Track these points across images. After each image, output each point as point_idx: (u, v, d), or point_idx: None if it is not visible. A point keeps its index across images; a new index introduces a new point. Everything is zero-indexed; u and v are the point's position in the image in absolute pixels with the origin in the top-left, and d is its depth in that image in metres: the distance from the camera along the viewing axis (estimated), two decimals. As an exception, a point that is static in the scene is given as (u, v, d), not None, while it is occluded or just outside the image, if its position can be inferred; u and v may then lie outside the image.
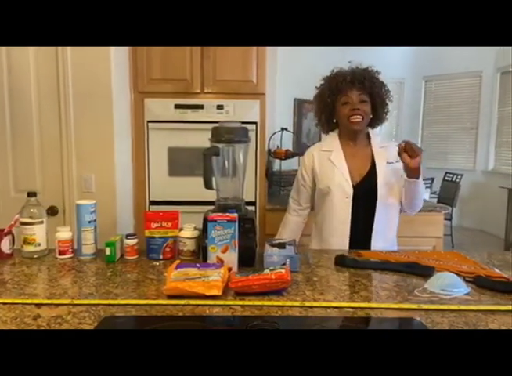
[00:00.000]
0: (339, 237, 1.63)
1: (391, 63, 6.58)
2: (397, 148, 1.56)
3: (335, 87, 1.62)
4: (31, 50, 2.12)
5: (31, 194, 1.41)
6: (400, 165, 1.57)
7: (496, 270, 1.28)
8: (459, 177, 5.46)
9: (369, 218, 1.61)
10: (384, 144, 1.70)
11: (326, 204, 1.66)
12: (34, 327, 0.89)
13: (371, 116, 1.65)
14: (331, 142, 1.71)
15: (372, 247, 1.61)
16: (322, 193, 1.67)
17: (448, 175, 5.68)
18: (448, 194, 5.33)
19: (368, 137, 1.71)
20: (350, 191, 1.60)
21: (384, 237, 1.65)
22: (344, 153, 1.66)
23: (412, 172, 1.54)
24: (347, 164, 1.64)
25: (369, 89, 1.60)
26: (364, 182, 1.62)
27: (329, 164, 1.65)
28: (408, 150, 1.48)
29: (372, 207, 1.61)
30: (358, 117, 1.59)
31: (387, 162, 1.62)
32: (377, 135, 1.72)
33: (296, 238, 1.71)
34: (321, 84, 1.71)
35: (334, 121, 1.70)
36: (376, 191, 1.60)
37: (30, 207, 1.40)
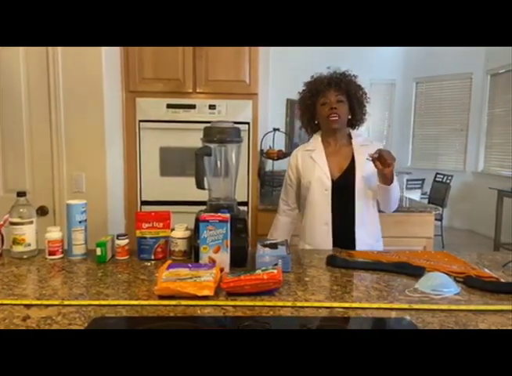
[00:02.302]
0: (322, 228, 1.69)
1: (382, 64, 6.64)
2: (378, 146, 1.64)
3: (314, 89, 1.72)
4: (21, 49, 2.10)
5: (21, 194, 1.40)
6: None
7: (486, 270, 1.29)
8: (449, 178, 5.51)
9: (349, 211, 1.68)
10: (365, 143, 1.76)
11: (308, 198, 1.75)
12: (24, 328, 0.88)
13: (349, 116, 1.75)
14: (315, 142, 1.80)
15: (356, 240, 1.66)
16: (304, 188, 1.76)
17: (438, 175, 5.73)
18: (438, 195, 5.37)
19: (349, 137, 1.79)
20: (329, 184, 1.69)
21: (368, 231, 1.71)
22: (326, 151, 1.75)
23: (384, 179, 1.61)
24: (327, 161, 1.73)
25: (346, 90, 1.70)
26: (343, 177, 1.70)
27: (311, 161, 1.75)
28: (380, 160, 1.54)
29: (351, 200, 1.68)
30: (335, 115, 1.68)
31: (367, 159, 1.65)
32: (359, 135, 1.80)
33: (287, 238, 1.72)
34: (303, 90, 1.80)
35: (316, 122, 1.79)
36: (354, 185, 1.68)
37: (20, 207, 1.38)
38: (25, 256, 1.38)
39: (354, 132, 1.79)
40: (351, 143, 1.76)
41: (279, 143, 3.30)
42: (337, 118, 1.67)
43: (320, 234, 1.69)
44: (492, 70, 5.91)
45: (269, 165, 3.11)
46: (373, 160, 1.55)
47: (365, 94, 1.75)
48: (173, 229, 1.41)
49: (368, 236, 1.70)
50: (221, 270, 1.19)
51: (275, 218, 1.90)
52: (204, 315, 0.97)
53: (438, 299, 1.06)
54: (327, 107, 1.68)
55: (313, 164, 1.73)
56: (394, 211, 2.63)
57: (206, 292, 1.03)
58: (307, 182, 1.73)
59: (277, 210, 1.90)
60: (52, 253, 1.37)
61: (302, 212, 1.82)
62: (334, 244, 1.67)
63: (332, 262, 1.34)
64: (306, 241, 1.75)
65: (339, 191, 1.68)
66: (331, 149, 1.75)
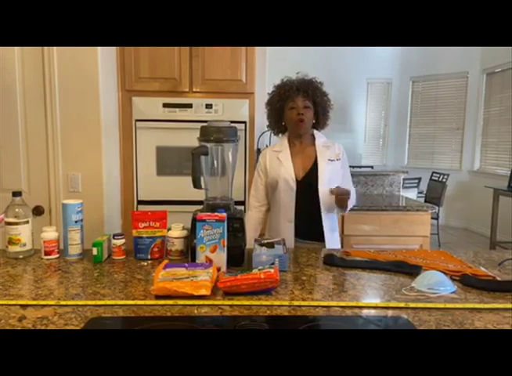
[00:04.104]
0: (286, 225, 1.81)
1: (378, 63, 6.65)
2: (339, 147, 1.86)
3: (283, 94, 1.82)
4: (17, 49, 2.08)
5: (16, 194, 1.39)
6: (339, 164, 1.84)
7: (482, 269, 1.30)
8: (445, 177, 5.52)
9: (314, 208, 1.79)
10: (327, 144, 1.88)
11: (274, 196, 1.86)
12: (19, 329, 0.87)
13: (314, 121, 1.86)
14: (282, 143, 1.91)
15: (325, 233, 1.78)
16: (271, 186, 1.87)
17: (434, 174, 5.74)
18: (434, 194, 5.39)
19: (313, 138, 1.89)
20: (293, 185, 1.80)
21: (331, 224, 1.84)
22: (291, 152, 1.86)
23: (339, 207, 1.78)
24: (292, 161, 1.84)
25: (312, 97, 1.81)
26: (307, 177, 1.81)
27: (278, 161, 1.86)
28: (337, 198, 1.71)
29: (315, 198, 1.79)
30: (302, 120, 1.79)
31: (329, 159, 1.83)
32: (321, 137, 1.90)
33: (257, 233, 1.90)
34: (272, 91, 1.88)
35: (283, 123, 1.89)
36: (317, 184, 1.78)
37: (16, 207, 1.37)
38: (21, 256, 1.37)
39: (317, 133, 1.90)
40: (314, 144, 1.87)
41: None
42: (303, 123, 1.79)
43: (284, 230, 1.80)
44: (488, 69, 5.93)
45: (266, 164, 3.10)
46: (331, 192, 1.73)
47: (329, 101, 1.87)
48: (169, 229, 1.41)
49: (332, 229, 1.84)
50: (218, 270, 1.19)
51: (246, 214, 1.94)
52: (201, 314, 0.97)
53: (435, 298, 1.07)
54: (295, 112, 1.79)
55: (279, 165, 1.84)
56: (391, 210, 2.67)
57: (203, 292, 1.03)
58: (273, 182, 1.84)
59: (248, 206, 1.98)
60: (47, 253, 1.36)
61: (270, 206, 1.93)
62: (300, 237, 1.79)
63: (329, 260, 1.34)
64: (271, 235, 1.85)
65: (303, 190, 1.79)
66: (296, 149, 1.87)
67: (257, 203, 1.94)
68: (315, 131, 1.90)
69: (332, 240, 1.81)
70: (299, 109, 1.78)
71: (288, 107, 1.81)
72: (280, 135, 1.96)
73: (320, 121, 1.89)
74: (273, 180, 1.84)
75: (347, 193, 1.72)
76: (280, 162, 1.85)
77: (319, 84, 1.85)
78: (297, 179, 1.81)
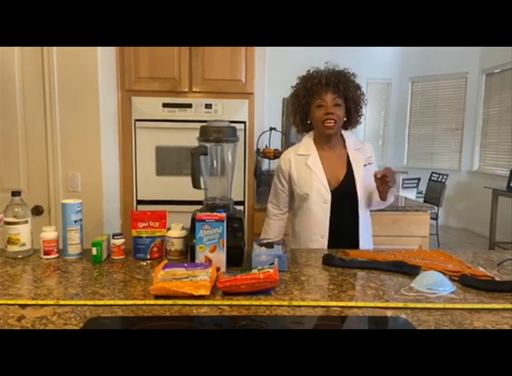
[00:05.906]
0: (318, 241, 1.64)
1: (378, 64, 6.65)
2: (370, 149, 1.71)
3: (310, 89, 1.61)
4: (16, 49, 2.08)
5: (16, 193, 1.39)
6: (374, 167, 1.68)
7: (481, 269, 1.30)
8: (444, 177, 5.53)
9: (349, 220, 1.65)
10: (358, 146, 1.71)
11: (303, 208, 1.67)
12: (18, 329, 0.87)
13: (345, 119, 1.66)
14: (307, 145, 1.70)
15: (360, 246, 1.65)
16: (299, 198, 1.68)
17: (434, 175, 5.75)
18: (434, 194, 5.40)
19: (342, 139, 1.71)
20: (328, 197, 1.62)
21: (367, 237, 1.71)
22: (320, 156, 1.67)
23: (380, 194, 1.62)
24: (323, 168, 1.64)
25: (344, 93, 1.60)
26: (341, 186, 1.64)
27: (307, 169, 1.66)
28: (382, 180, 1.54)
29: (350, 209, 1.64)
30: (332, 121, 1.59)
31: (364, 165, 1.67)
32: (351, 136, 1.73)
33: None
34: (296, 84, 1.69)
35: (309, 121, 1.70)
36: (355, 194, 1.63)
37: (15, 207, 1.37)
38: (20, 256, 1.37)
39: (346, 133, 1.73)
40: (344, 146, 1.69)
41: (276, 142, 3.30)
42: (332, 124, 1.60)
43: (315, 246, 1.63)
44: (487, 69, 5.93)
45: (265, 164, 3.11)
46: (375, 178, 1.55)
47: (363, 95, 1.67)
48: (169, 229, 1.41)
49: (367, 242, 1.70)
50: (218, 270, 1.19)
51: (265, 223, 1.82)
52: (200, 314, 0.97)
53: (434, 298, 1.07)
54: (323, 111, 1.59)
55: (309, 174, 1.64)
56: (390, 210, 2.67)
57: (202, 291, 1.03)
58: (303, 194, 1.64)
59: (267, 213, 1.82)
60: (47, 253, 1.36)
61: (294, 216, 1.76)
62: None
63: (328, 261, 1.34)
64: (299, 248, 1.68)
65: (338, 201, 1.62)
66: (326, 154, 1.67)
67: (278, 211, 1.77)
68: (343, 131, 1.71)
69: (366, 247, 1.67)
70: (328, 107, 1.58)
71: (315, 105, 1.61)
72: (304, 134, 1.76)
73: (352, 119, 1.67)
74: (303, 192, 1.64)
75: (393, 174, 1.52)
76: (310, 170, 1.64)
77: (351, 77, 1.64)
78: (330, 190, 1.62)
